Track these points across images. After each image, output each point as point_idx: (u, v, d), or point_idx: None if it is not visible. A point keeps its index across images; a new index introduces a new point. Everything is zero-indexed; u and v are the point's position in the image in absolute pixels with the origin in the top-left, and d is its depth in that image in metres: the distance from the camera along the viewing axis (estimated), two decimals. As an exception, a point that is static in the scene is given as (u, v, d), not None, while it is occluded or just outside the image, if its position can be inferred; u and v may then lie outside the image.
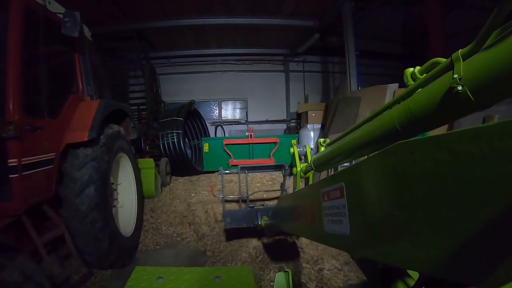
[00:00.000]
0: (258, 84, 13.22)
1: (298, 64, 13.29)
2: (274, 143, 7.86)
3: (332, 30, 10.46)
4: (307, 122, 10.54)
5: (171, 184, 7.63)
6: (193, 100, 9.41)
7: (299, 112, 10.97)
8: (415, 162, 0.73)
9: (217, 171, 7.80)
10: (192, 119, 10.05)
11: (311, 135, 10.42)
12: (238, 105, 13.33)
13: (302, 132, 10.68)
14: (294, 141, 8.01)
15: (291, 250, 4.56)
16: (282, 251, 4.57)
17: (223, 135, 12.71)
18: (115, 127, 4.31)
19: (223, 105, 13.24)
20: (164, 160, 7.52)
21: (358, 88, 7.69)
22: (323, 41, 11.30)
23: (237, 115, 13.34)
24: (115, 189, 4.66)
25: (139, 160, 6.68)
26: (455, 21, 8.57)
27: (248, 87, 13.19)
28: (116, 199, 4.67)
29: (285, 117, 13.26)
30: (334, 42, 12.01)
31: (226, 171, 4.68)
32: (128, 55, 10.83)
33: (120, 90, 11.47)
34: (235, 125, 13.08)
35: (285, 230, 2.48)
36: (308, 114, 10.47)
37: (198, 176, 8.37)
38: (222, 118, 13.17)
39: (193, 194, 6.69)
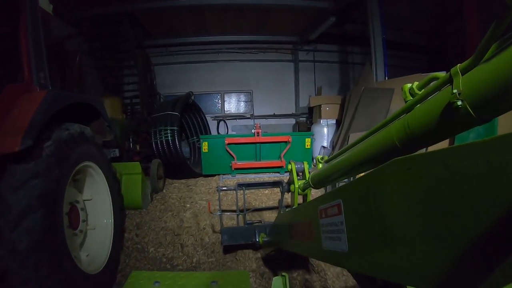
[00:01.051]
0: (265, 75, 12.03)
1: (308, 53, 12.09)
2: (285, 142, 6.71)
3: (349, 15, 9.29)
4: (320, 117, 9.40)
5: (164, 191, 6.53)
6: (191, 91, 8.23)
7: (311, 105, 9.78)
8: (412, 178, 0.74)
9: (218, 175, 6.80)
10: (190, 113, 8.90)
11: (324, 131, 9.29)
12: (242, 97, 12.18)
13: (314, 128, 9.54)
14: (308, 140, 6.87)
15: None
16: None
17: (226, 131, 11.61)
18: (75, 128, 3.18)
19: (226, 98, 12.08)
20: (155, 162, 6.41)
21: (385, 78, 6.52)
22: (337, 28, 10.16)
23: (242, 108, 12.18)
24: (82, 209, 3.57)
25: (123, 164, 5.64)
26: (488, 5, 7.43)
27: (253, 78, 12.01)
28: (85, 221, 3.59)
29: (294, 111, 12.09)
30: (350, 30, 10.93)
31: (224, 187, 4.30)
32: (120, 43, 9.67)
33: (112, 82, 10.39)
34: (239, 120, 11.94)
35: (283, 247, 2.43)
36: (322, 108, 9.32)
37: (196, 179, 7.27)
38: (225, 112, 12.02)
39: (188, 205, 5.60)
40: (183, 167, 7.02)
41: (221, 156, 6.81)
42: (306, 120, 11.43)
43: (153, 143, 6.92)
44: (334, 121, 9.38)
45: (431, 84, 0.98)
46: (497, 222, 0.54)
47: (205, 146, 6.83)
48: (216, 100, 12.04)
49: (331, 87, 11.83)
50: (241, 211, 4.25)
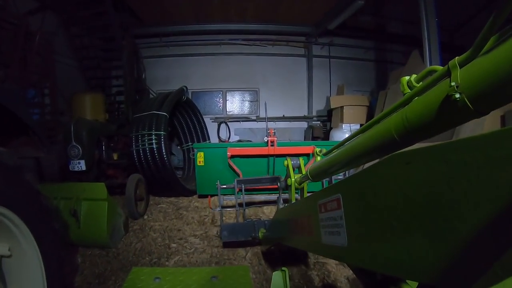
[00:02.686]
0: (273, 71, 10.45)
1: (323, 48, 10.49)
2: (307, 155, 5.09)
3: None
4: (341, 121, 7.79)
5: (145, 217, 4.91)
6: (185, 86, 6.57)
7: (332, 107, 8.14)
8: (411, 173, 0.74)
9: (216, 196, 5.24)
10: (184, 113, 7.27)
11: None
12: (247, 96, 10.54)
13: (334, 134, 7.94)
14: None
15: None
16: None
17: (228, 134, 10.01)
18: None
19: (228, 97, 10.44)
20: (134, 178, 4.79)
21: (441, 69, 4.90)
22: (355, 19, 8.67)
23: (246, 109, 10.54)
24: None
25: (81, 185, 4.08)
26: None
27: (260, 75, 10.43)
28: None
29: (306, 113, 10.45)
30: (367, 23, 9.45)
31: (224, 186, 4.20)
32: (102, 27, 8.08)
33: (94, 76, 8.82)
34: (244, 122, 10.30)
35: (282, 242, 2.40)
36: (344, 110, 7.71)
37: (190, 199, 5.66)
38: (227, 113, 10.38)
39: (174, 244, 3.97)
40: (173, 183, 5.41)
41: (222, 171, 5.18)
42: (321, 124, 9.80)
43: (134, 151, 5.31)
44: (358, 126, 7.78)
45: (429, 77, 0.96)
46: (496, 216, 0.54)
47: (200, 158, 5.19)
48: (217, 99, 10.42)
49: (348, 87, 10.12)
50: (240, 205, 4.16)
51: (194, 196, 5.76)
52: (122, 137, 6.03)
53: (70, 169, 4.90)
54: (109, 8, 7.30)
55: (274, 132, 4.96)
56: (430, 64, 5.09)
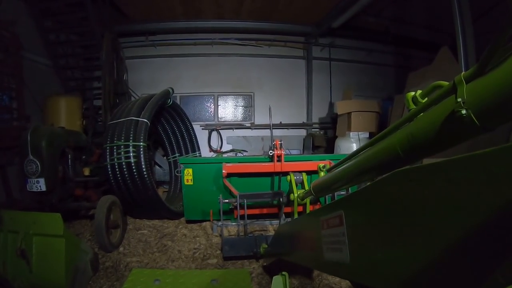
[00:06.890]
0: (269, 74, 9.54)
1: (323, 49, 9.67)
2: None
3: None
4: (349, 129, 6.93)
5: (121, 249, 3.95)
6: (171, 88, 5.59)
7: (339, 113, 7.26)
8: (413, 190, 0.73)
9: (209, 221, 4.33)
10: (170, 119, 6.33)
11: (353, 148, 6.82)
12: (241, 101, 9.61)
13: (341, 143, 7.09)
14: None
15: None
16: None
17: (220, 143, 9.09)
18: None
19: (220, 102, 9.48)
20: (105, 202, 3.83)
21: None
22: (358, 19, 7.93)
23: (240, 115, 9.62)
24: None
25: (32, 215, 3.12)
26: None
27: (255, 78, 9.51)
28: None
29: (305, 120, 9.59)
30: (372, 24, 8.71)
31: (226, 200, 3.93)
32: (79, 21, 7.10)
33: (69, 76, 7.82)
34: (237, 130, 9.38)
35: (284, 258, 2.40)
36: (352, 116, 6.85)
37: (176, 224, 4.71)
38: (219, 120, 9.44)
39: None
40: (155, 204, 4.46)
41: (215, 192, 4.24)
42: (325, 132, 8.95)
43: (108, 166, 4.35)
44: (367, 135, 6.94)
45: (435, 92, 0.94)
46: (499, 231, 0.53)
47: (188, 176, 4.24)
48: (208, 104, 9.46)
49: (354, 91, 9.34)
50: (242, 218, 3.95)
51: (182, 219, 4.82)
52: (96, 148, 5.06)
53: (28, 190, 3.94)
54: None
55: (281, 144, 4.04)
56: (465, 61, 4.29)
